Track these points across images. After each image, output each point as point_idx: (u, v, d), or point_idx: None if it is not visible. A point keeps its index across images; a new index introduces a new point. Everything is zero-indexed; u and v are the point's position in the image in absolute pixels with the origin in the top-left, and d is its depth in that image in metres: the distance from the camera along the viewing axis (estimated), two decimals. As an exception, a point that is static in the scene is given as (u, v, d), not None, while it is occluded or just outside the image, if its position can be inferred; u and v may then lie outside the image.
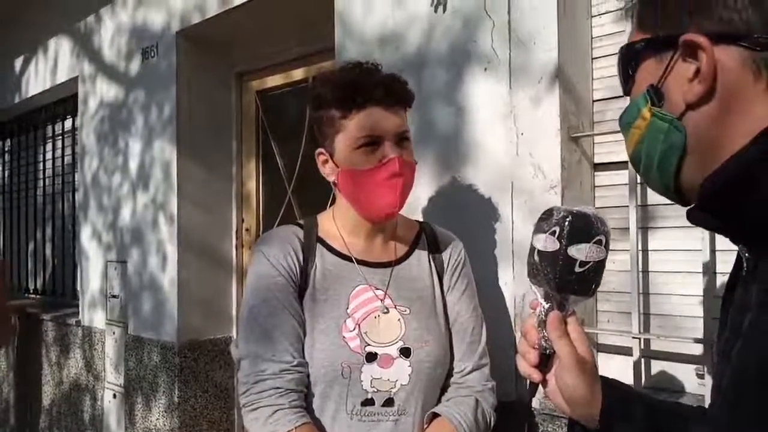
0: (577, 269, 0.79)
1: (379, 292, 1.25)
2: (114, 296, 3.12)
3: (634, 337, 1.49)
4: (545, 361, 0.83)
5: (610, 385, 0.84)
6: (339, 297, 1.23)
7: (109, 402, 3.13)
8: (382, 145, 1.19)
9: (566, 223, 0.79)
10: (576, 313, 0.84)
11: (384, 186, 1.19)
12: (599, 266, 0.80)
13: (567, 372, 0.80)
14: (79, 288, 3.47)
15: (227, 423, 2.85)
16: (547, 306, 0.84)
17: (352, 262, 1.27)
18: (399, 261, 1.31)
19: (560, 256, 0.79)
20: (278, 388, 1.15)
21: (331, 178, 1.26)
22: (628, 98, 0.75)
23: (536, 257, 0.82)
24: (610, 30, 1.59)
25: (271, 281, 1.22)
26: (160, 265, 2.81)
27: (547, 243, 0.81)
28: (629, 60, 0.73)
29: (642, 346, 1.50)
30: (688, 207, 0.71)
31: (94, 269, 3.30)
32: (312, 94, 1.26)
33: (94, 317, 3.31)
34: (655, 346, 1.51)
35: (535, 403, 1.53)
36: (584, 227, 0.80)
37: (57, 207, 4.13)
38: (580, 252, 0.78)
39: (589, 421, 0.82)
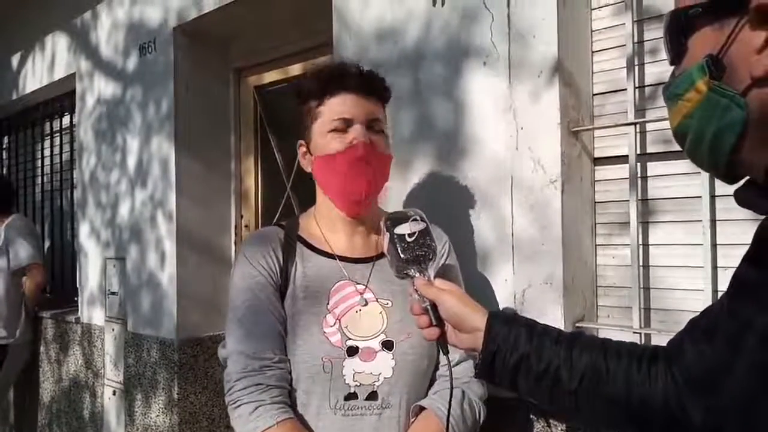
0: (409, 240, 1.02)
1: (360, 287, 1.26)
2: (113, 293, 3.11)
3: (634, 332, 1.49)
4: (435, 317, 0.97)
5: (494, 313, 0.94)
6: (319, 294, 1.24)
7: (109, 399, 3.13)
8: (351, 128, 1.22)
9: (388, 222, 1.05)
10: (439, 278, 1.01)
11: (351, 170, 1.21)
12: (425, 232, 1.03)
13: (449, 307, 0.94)
14: (78, 285, 3.47)
15: (227, 419, 2.83)
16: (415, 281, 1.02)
17: (334, 258, 1.27)
18: (381, 255, 1.30)
19: (393, 238, 1.02)
20: (259, 384, 1.15)
21: (308, 169, 1.30)
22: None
23: (388, 256, 1.05)
24: (611, 23, 1.58)
25: (251, 281, 1.23)
26: (158, 261, 2.80)
27: (384, 242, 1.05)
28: (681, 27, 0.66)
29: (643, 342, 1.49)
30: (737, 188, 0.67)
31: (92, 266, 3.29)
32: (297, 90, 1.31)
33: (93, 314, 3.30)
34: (656, 341, 1.50)
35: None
36: (400, 217, 1.06)
37: (55, 204, 4.12)
38: (404, 228, 1.03)
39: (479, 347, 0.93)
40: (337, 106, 1.22)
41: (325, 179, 1.26)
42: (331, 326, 1.21)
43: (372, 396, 1.20)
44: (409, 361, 1.23)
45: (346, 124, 1.22)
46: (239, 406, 1.15)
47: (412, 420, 1.23)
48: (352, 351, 1.20)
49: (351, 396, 1.20)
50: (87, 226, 3.32)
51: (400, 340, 1.23)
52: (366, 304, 1.24)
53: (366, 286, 1.26)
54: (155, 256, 2.82)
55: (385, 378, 1.21)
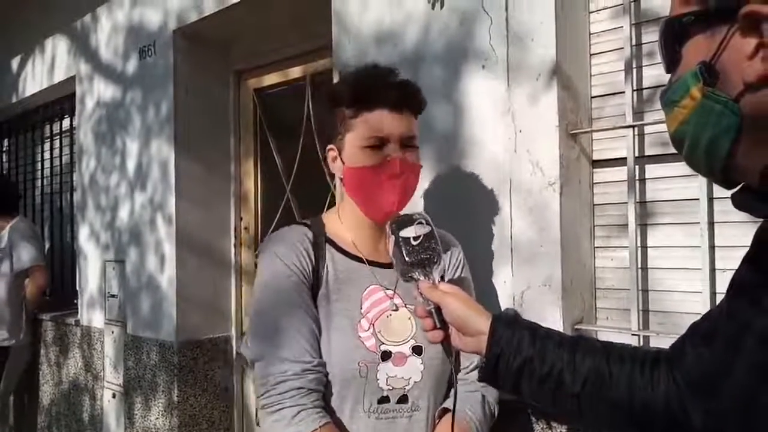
0: (414, 243, 1.02)
1: (389, 292, 1.27)
2: (112, 296, 3.12)
3: (633, 335, 1.49)
4: (439, 320, 0.97)
5: (498, 316, 0.95)
6: (352, 297, 1.24)
7: (108, 401, 3.13)
8: (387, 146, 1.21)
9: (393, 225, 1.05)
10: (442, 281, 1.02)
11: (384, 185, 1.21)
12: (430, 236, 1.03)
13: (453, 310, 0.95)
14: (77, 288, 3.47)
15: (226, 422, 2.84)
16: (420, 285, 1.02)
17: (363, 262, 1.28)
18: None
19: (398, 241, 1.02)
20: (300, 388, 1.15)
21: (339, 175, 1.28)
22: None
23: (393, 259, 1.05)
24: (608, 26, 1.59)
25: (284, 281, 1.21)
26: (158, 264, 2.81)
27: (389, 245, 1.06)
28: (674, 36, 0.66)
29: (641, 344, 1.49)
30: (734, 191, 0.67)
31: (92, 269, 3.30)
32: (329, 92, 1.29)
33: (93, 317, 3.31)
34: (655, 343, 1.50)
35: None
36: (405, 220, 1.05)
37: (55, 207, 4.12)
38: (409, 231, 1.03)
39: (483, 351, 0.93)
40: (372, 123, 1.20)
41: (355, 190, 1.25)
42: (366, 330, 1.22)
43: (403, 399, 1.23)
44: (435, 366, 1.26)
45: (380, 142, 1.21)
46: (280, 409, 1.14)
47: (437, 422, 1.26)
48: (386, 356, 1.22)
49: (384, 399, 1.22)
50: (86, 228, 3.33)
51: (428, 345, 1.25)
52: (396, 309, 1.26)
53: (395, 291, 1.28)
54: (155, 258, 2.82)
55: (414, 382, 1.24)
